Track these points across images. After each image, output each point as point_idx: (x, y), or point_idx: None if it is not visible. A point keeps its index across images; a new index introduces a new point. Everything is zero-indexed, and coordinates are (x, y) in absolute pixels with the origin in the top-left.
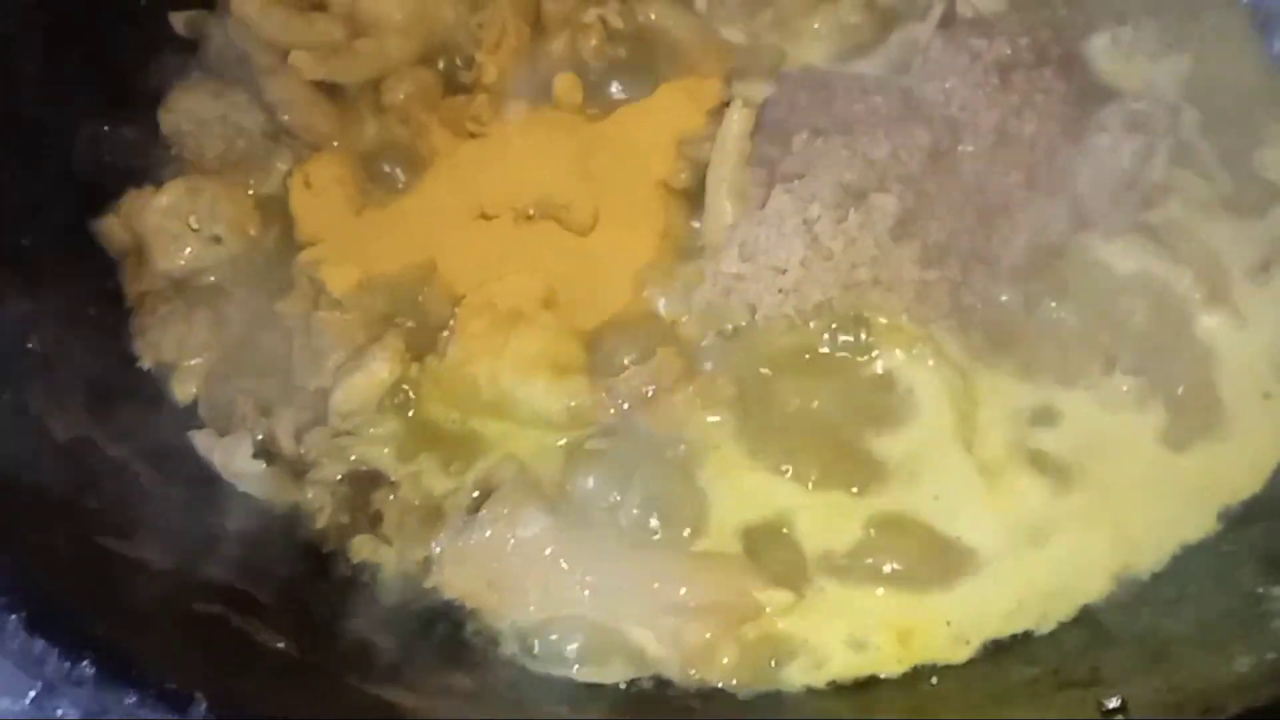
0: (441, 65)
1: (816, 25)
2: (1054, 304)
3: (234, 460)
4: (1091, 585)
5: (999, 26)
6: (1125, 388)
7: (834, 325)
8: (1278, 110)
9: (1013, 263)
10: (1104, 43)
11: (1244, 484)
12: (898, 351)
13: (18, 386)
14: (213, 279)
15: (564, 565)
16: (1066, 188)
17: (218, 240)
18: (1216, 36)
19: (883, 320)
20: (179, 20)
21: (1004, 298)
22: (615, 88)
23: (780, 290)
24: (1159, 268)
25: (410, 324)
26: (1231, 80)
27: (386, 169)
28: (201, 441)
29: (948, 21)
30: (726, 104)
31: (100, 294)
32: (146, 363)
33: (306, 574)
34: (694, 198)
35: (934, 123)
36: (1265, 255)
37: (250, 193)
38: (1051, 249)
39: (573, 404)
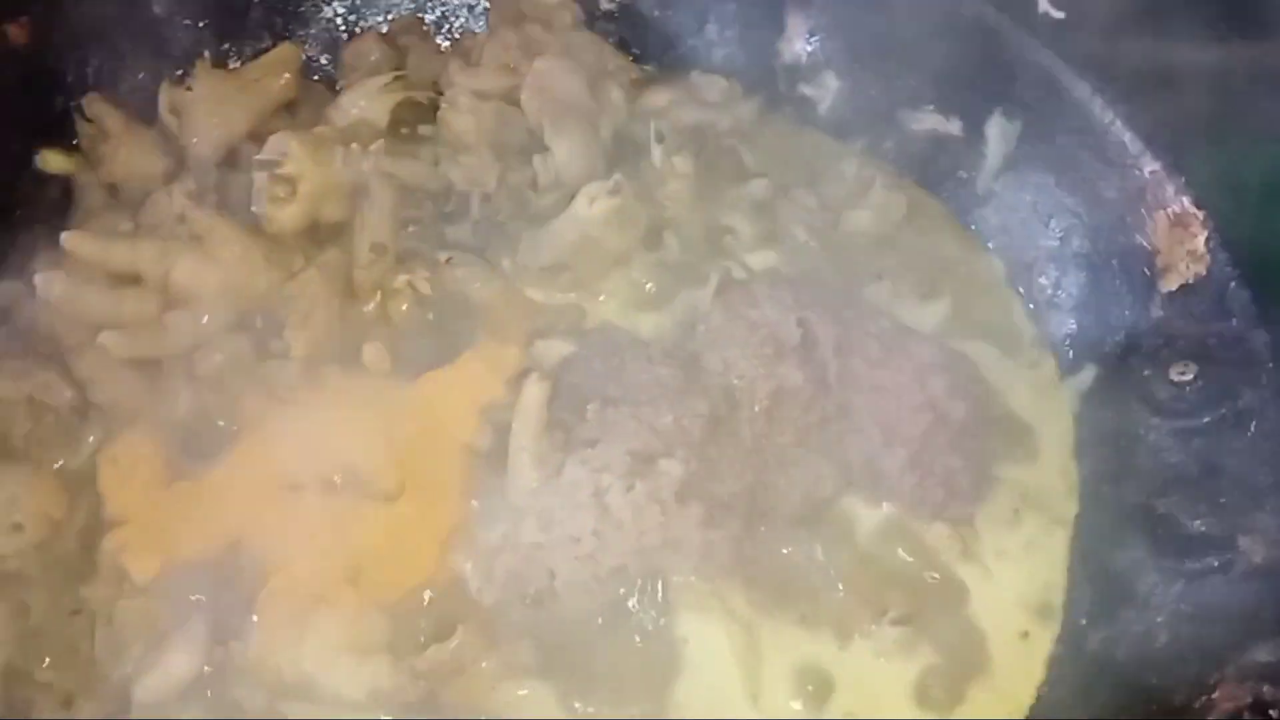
0: (254, 330)
1: (611, 285)
2: (826, 555)
3: None
4: None
5: (774, 293)
6: (893, 636)
7: (630, 587)
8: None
9: (789, 516)
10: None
11: None
12: (688, 609)
13: None
14: (14, 566)
15: None
16: (834, 446)
17: (18, 528)
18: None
19: (674, 579)
20: None
21: (783, 550)
22: (422, 352)
23: (577, 557)
24: (916, 524)
25: (214, 609)
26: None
27: (198, 440)
28: None
29: (725, 288)
30: (525, 372)
31: None
32: None
33: None
34: (496, 461)
35: (712, 392)
36: (1014, 504)
37: (58, 466)
38: (823, 503)
39: (375, 686)
